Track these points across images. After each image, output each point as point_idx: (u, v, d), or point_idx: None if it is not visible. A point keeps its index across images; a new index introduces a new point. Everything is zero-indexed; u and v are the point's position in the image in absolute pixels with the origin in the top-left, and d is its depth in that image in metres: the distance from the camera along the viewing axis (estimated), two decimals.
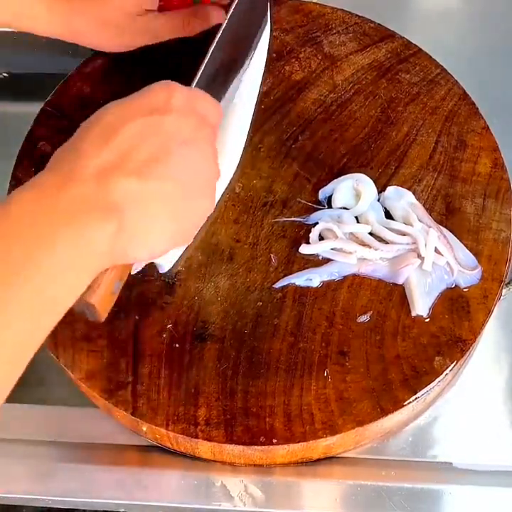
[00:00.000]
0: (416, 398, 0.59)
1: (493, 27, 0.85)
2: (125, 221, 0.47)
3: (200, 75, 0.57)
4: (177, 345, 0.61)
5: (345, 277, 0.64)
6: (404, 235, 0.64)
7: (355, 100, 0.72)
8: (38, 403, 0.65)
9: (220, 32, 0.59)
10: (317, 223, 0.65)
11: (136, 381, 0.60)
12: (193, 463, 0.62)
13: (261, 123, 0.70)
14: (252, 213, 0.67)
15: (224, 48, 0.60)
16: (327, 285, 0.64)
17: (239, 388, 0.60)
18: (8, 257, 0.43)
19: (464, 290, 0.63)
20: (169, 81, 0.52)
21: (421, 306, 0.62)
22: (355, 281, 0.64)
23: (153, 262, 0.58)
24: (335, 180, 0.67)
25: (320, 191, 0.67)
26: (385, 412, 0.59)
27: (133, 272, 0.56)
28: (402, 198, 0.66)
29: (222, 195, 0.61)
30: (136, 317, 0.63)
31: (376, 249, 0.64)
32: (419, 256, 0.63)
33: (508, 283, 0.66)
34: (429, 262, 0.63)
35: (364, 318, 0.62)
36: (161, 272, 0.61)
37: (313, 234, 0.65)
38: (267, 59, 0.67)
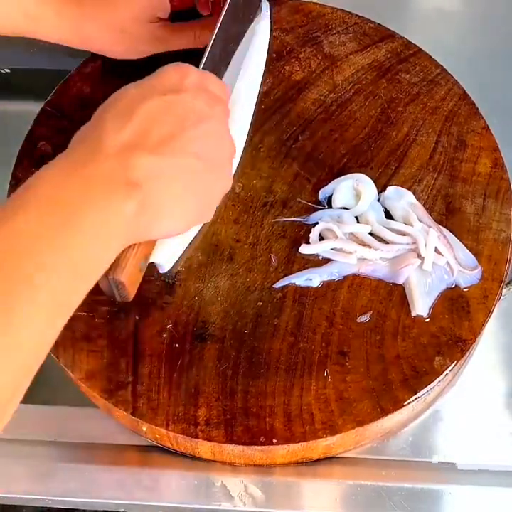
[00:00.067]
0: (416, 398, 0.59)
1: (493, 27, 0.85)
2: (147, 197, 0.48)
3: (205, 61, 0.58)
4: (177, 345, 0.61)
5: (345, 277, 0.64)
6: (404, 235, 0.64)
7: (355, 100, 0.72)
8: (38, 403, 0.65)
9: (218, 25, 0.60)
10: (317, 223, 0.65)
11: (136, 381, 0.60)
12: (193, 463, 0.62)
13: (261, 123, 0.70)
14: (252, 213, 0.67)
15: (223, 37, 0.61)
16: (327, 285, 0.64)
17: (239, 388, 0.60)
18: (40, 229, 0.44)
19: (464, 290, 0.63)
20: (181, 63, 0.53)
21: (421, 306, 0.62)
22: (355, 281, 0.64)
23: (153, 262, 0.58)
24: (335, 180, 0.67)
25: (320, 191, 0.67)
26: (385, 412, 0.59)
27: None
28: (402, 198, 0.66)
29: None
30: (136, 317, 0.62)
31: (376, 249, 0.64)
32: (419, 256, 0.63)
33: (508, 283, 0.66)
34: (429, 262, 0.63)
35: (364, 318, 0.62)
36: (161, 271, 0.61)
37: (313, 234, 0.65)
38: (267, 59, 0.67)
